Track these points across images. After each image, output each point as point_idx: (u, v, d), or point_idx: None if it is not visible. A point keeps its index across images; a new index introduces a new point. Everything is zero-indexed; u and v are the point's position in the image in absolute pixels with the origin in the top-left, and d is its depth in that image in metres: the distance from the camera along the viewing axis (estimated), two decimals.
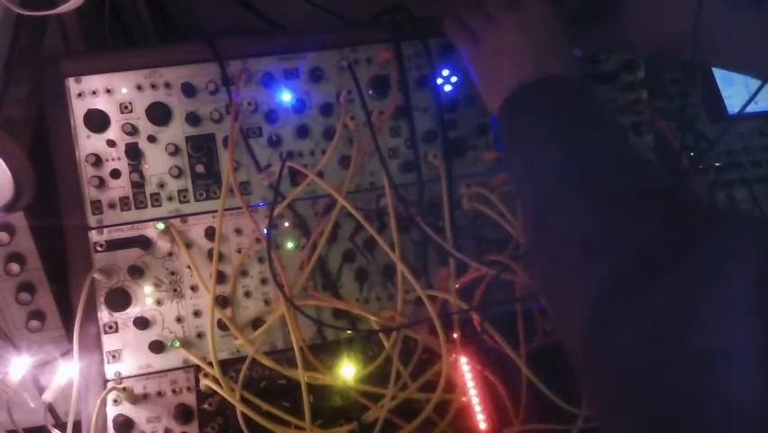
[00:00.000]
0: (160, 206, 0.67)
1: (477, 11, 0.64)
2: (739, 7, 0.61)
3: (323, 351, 0.67)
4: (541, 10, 0.60)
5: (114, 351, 0.66)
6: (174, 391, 0.66)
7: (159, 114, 0.65)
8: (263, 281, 0.68)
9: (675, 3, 0.59)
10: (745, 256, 0.35)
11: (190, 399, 0.66)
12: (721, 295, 0.34)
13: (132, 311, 0.66)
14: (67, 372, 0.63)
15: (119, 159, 0.66)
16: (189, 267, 0.66)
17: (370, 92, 0.69)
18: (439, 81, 0.70)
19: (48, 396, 0.63)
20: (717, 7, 0.58)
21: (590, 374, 0.42)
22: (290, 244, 0.68)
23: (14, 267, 0.63)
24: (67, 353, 0.65)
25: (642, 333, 0.37)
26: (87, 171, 0.65)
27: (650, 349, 0.36)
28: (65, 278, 0.65)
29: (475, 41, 0.63)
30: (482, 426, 0.66)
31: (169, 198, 0.67)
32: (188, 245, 0.67)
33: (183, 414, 0.65)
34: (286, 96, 0.68)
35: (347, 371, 0.66)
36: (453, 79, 0.70)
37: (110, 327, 0.66)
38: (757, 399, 0.31)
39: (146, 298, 0.66)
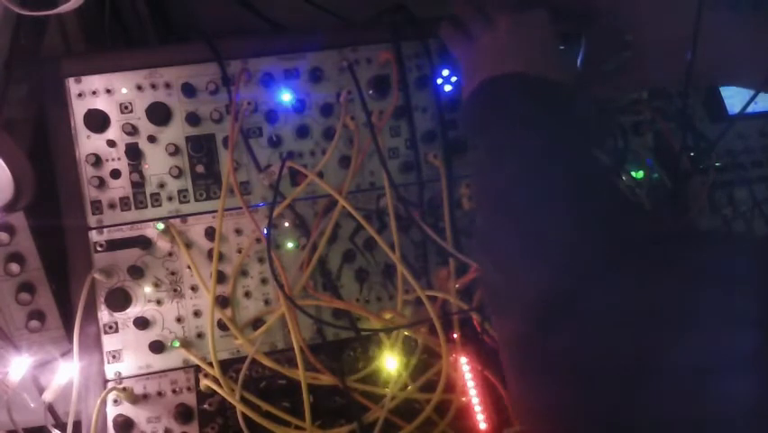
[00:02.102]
0: (160, 206, 0.67)
1: (476, 13, 0.64)
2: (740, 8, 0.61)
3: (323, 351, 0.67)
4: (539, 18, 0.61)
5: (114, 351, 0.66)
6: (174, 391, 0.66)
7: (159, 114, 0.65)
8: (263, 281, 0.68)
9: (679, 40, 0.59)
10: (677, 263, 0.36)
11: (190, 399, 0.66)
12: (653, 303, 0.34)
13: (132, 311, 0.66)
14: (67, 372, 0.63)
15: (119, 159, 0.66)
16: (189, 267, 0.66)
17: (370, 92, 0.69)
18: (439, 81, 0.70)
19: (48, 396, 0.63)
20: (716, 24, 0.59)
21: (523, 376, 0.42)
22: (290, 244, 0.68)
23: (14, 267, 0.63)
24: (67, 353, 0.65)
25: (577, 337, 0.37)
26: (87, 171, 0.65)
27: (584, 354, 0.36)
28: (65, 278, 0.65)
29: (468, 41, 0.63)
30: (482, 426, 0.66)
31: (169, 198, 0.67)
32: (188, 245, 0.67)
33: (183, 414, 0.65)
34: (286, 96, 0.68)
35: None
36: (453, 79, 0.70)
37: (110, 327, 0.66)
38: (679, 413, 0.31)
39: (146, 298, 0.66)
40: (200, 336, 0.67)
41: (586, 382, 0.35)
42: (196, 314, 0.67)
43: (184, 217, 0.67)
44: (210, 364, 0.65)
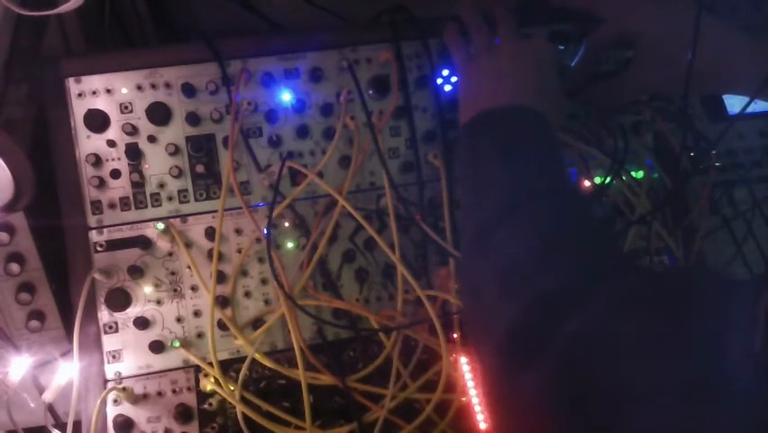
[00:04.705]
0: (160, 206, 0.67)
1: (481, 22, 0.64)
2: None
3: (323, 351, 0.67)
4: (543, 47, 0.62)
5: (114, 351, 0.66)
6: (174, 391, 0.66)
7: (159, 114, 0.65)
8: (263, 281, 0.68)
9: (679, 42, 0.59)
10: (642, 300, 0.36)
11: (190, 399, 0.66)
12: (621, 336, 0.35)
13: (132, 311, 0.66)
14: (67, 372, 0.63)
15: (119, 159, 0.66)
16: (189, 267, 0.66)
17: (370, 92, 0.69)
18: (439, 81, 0.70)
19: (48, 396, 0.63)
20: (716, 36, 0.60)
21: (498, 411, 0.43)
22: (290, 244, 0.68)
23: (14, 267, 0.63)
24: (67, 353, 0.65)
25: (547, 373, 0.37)
26: (87, 171, 0.65)
27: (555, 389, 0.36)
28: (65, 278, 0.65)
29: (470, 56, 0.63)
30: (482, 426, 0.66)
31: (169, 198, 0.67)
32: (188, 245, 0.67)
33: (183, 414, 0.65)
34: (286, 96, 0.68)
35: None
36: (453, 79, 0.70)
37: (110, 327, 0.66)
38: None
39: (146, 298, 0.66)
40: (200, 336, 0.67)
41: (563, 416, 0.35)
42: (196, 314, 0.67)
43: (184, 217, 0.67)
44: (210, 364, 0.65)
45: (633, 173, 0.73)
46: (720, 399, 0.29)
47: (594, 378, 0.34)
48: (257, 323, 0.67)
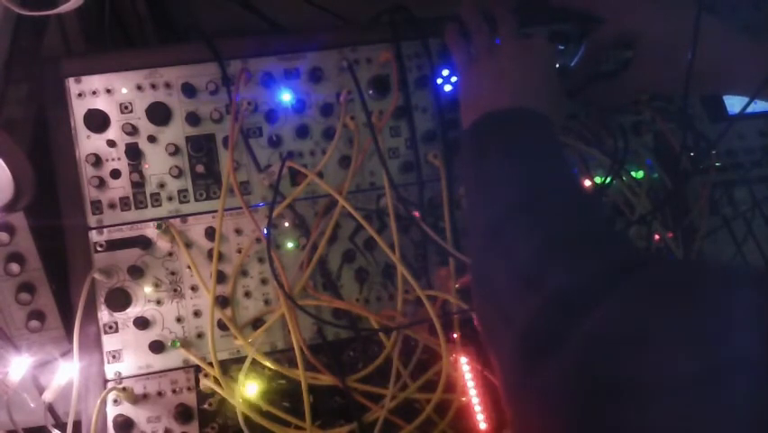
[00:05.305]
0: (159, 206, 0.67)
1: (482, 23, 0.64)
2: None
3: (323, 351, 0.67)
4: (543, 47, 0.62)
5: (114, 351, 0.66)
6: (174, 391, 0.66)
7: (159, 114, 0.65)
8: (263, 281, 0.68)
9: (679, 42, 0.60)
10: (654, 297, 0.36)
11: (190, 399, 0.66)
12: (633, 333, 0.35)
13: (132, 311, 0.66)
14: (67, 372, 0.63)
15: (119, 159, 0.66)
16: (189, 267, 0.66)
17: (370, 92, 0.69)
18: (439, 81, 0.70)
19: (48, 396, 0.63)
20: (716, 37, 0.60)
21: (515, 407, 0.43)
22: (290, 244, 0.68)
23: (14, 267, 0.63)
24: (67, 353, 0.65)
25: (560, 371, 0.37)
26: (87, 171, 0.65)
27: (568, 387, 0.36)
28: (65, 278, 0.65)
29: (470, 57, 0.64)
30: (482, 426, 0.66)
31: (169, 198, 0.67)
32: (188, 245, 0.67)
33: (183, 414, 0.65)
34: (286, 97, 0.68)
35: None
36: (453, 79, 0.70)
37: (110, 327, 0.66)
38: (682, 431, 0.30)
39: (146, 298, 0.66)
40: (200, 336, 0.67)
41: (575, 413, 0.36)
42: (196, 314, 0.67)
43: (184, 217, 0.67)
44: (210, 364, 0.65)
45: (633, 173, 0.73)
46: (735, 395, 0.29)
47: (606, 375, 0.34)
48: (257, 323, 0.67)
